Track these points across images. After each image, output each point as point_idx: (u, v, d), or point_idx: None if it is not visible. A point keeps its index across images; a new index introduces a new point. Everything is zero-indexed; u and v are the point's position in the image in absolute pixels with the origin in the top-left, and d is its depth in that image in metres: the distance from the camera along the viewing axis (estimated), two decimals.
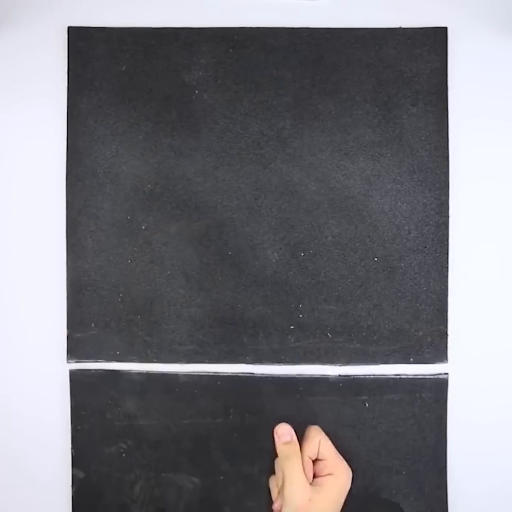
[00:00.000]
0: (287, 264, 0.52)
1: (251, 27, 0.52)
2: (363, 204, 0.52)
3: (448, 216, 0.52)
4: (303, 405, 0.52)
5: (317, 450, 0.46)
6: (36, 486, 0.52)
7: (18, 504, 0.52)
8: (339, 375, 0.51)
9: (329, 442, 0.47)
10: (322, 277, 0.52)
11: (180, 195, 0.52)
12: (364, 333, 0.52)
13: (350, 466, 0.46)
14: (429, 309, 0.52)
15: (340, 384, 0.51)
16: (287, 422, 0.47)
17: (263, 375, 0.52)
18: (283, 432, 0.47)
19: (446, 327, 0.52)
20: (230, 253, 0.52)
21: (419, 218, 0.52)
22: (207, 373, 0.52)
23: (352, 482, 0.46)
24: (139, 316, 0.52)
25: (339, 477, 0.45)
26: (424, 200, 0.52)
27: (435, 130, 0.52)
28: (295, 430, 0.47)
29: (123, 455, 0.52)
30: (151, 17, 0.52)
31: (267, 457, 0.49)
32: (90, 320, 0.52)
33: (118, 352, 0.52)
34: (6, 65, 0.52)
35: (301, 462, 0.45)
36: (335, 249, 0.52)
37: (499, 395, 0.52)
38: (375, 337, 0.52)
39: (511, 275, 0.52)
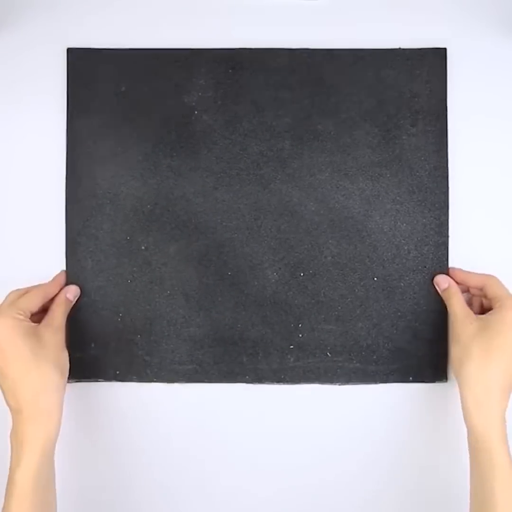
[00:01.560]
0: (286, 284, 0.52)
1: (250, 48, 0.52)
2: (363, 224, 0.52)
3: (447, 236, 0.52)
4: None
5: (480, 281, 0.49)
6: None
7: None
8: None
9: (502, 284, 0.49)
10: (321, 297, 0.52)
11: (180, 216, 0.52)
12: (363, 353, 0.52)
13: None
14: (428, 328, 0.52)
15: None
16: None
17: None
18: (439, 280, 0.51)
19: (446, 346, 0.52)
20: (229, 273, 0.52)
21: (418, 238, 0.52)
22: None
23: None
24: (139, 336, 0.52)
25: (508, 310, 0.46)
26: (424, 220, 0.52)
27: (434, 150, 0.52)
28: None
29: None
30: (150, 38, 0.52)
31: None
32: (90, 340, 0.52)
33: (118, 372, 0.52)
34: (6, 85, 0.52)
35: (460, 297, 0.49)
36: (334, 269, 0.52)
37: None
38: (374, 357, 0.52)
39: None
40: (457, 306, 0.49)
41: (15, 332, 0.45)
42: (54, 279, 0.51)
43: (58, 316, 0.49)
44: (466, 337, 0.47)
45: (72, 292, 0.51)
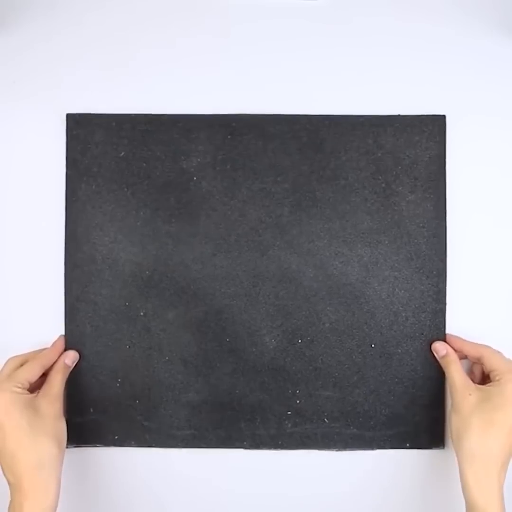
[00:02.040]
0: (284, 351, 0.52)
1: (249, 114, 0.52)
2: (361, 291, 0.52)
3: (445, 303, 0.52)
4: None
5: (477, 352, 0.49)
6: None
7: None
8: None
9: (500, 355, 0.49)
10: (319, 363, 0.52)
11: (178, 282, 0.52)
12: (361, 419, 0.52)
13: None
14: (425, 395, 0.52)
15: None
16: None
17: None
18: (437, 347, 0.51)
19: (443, 412, 0.52)
20: (228, 339, 0.52)
21: (416, 305, 0.52)
22: None
23: None
24: (137, 401, 0.52)
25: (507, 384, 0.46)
26: (422, 287, 0.52)
27: (433, 217, 0.52)
28: None
29: None
30: (149, 103, 0.52)
31: None
32: (88, 405, 0.52)
33: (116, 437, 0.52)
34: (6, 150, 0.52)
35: (458, 365, 0.49)
36: (332, 336, 0.52)
37: None
38: (372, 423, 0.52)
39: None
40: (455, 374, 0.49)
41: (13, 407, 0.45)
42: (53, 345, 0.51)
43: (56, 384, 0.49)
44: (465, 409, 0.47)
45: (71, 358, 0.51)
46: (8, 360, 0.49)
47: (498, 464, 0.45)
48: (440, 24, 0.52)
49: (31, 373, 0.48)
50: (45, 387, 0.49)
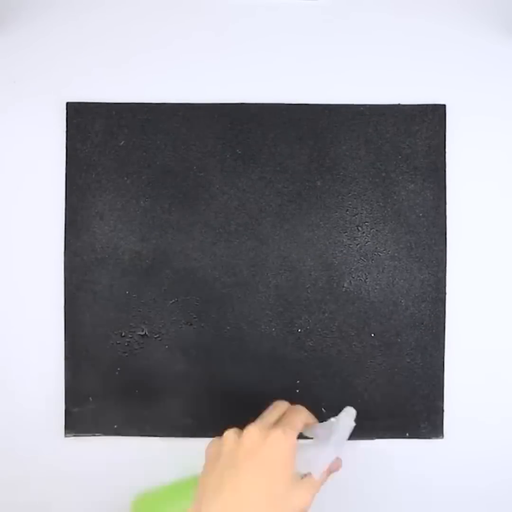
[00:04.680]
0: (284, 340, 0.52)
1: (249, 103, 0.52)
2: (360, 280, 0.52)
3: (445, 293, 0.52)
4: None
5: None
6: None
7: None
8: None
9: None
10: (319, 353, 0.52)
11: (178, 271, 0.52)
12: (360, 408, 0.52)
13: None
14: (425, 384, 0.52)
15: None
16: None
17: None
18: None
19: (442, 402, 0.52)
20: (228, 328, 0.52)
21: (416, 295, 0.52)
22: None
23: None
24: (137, 391, 0.52)
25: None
26: (421, 276, 0.52)
27: (433, 207, 0.52)
28: None
29: None
30: (149, 92, 0.52)
31: None
32: (88, 394, 0.52)
33: (116, 426, 0.52)
34: (6, 140, 0.52)
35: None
36: (332, 325, 0.52)
37: (496, 471, 0.52)
38: (371, 412, 0.52)
39: (507, 350, 0.52)
40: None
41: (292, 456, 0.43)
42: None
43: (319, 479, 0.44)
44: None
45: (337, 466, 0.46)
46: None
47: None
48: (439, 16, 0.52)
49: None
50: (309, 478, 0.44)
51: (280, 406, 0.47)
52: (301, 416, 0.46)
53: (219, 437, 0.45)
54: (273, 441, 0.42)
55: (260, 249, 0.52)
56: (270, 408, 0.47)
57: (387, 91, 0.52)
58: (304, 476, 0.43)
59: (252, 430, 0.43)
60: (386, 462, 0.52)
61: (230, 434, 0.44)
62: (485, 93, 0.52)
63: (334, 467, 0.45)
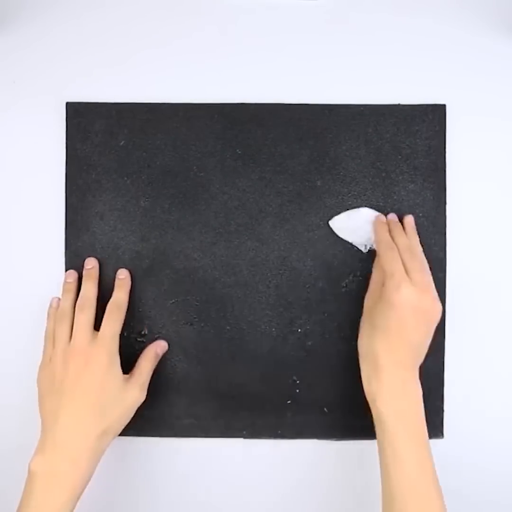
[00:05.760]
0: (284, 340, 0.52)
1: (249, 103, 0.52)
2: (360, 280, 0.52)
3: (445, 294, 0.52)
4: None
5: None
6: None
7: None
8: None
9: (392, 253, 0.48)
10: (319, 353, 0.52)
11: (178, 271, 0.52)
12: (360, 408, 0.52)
13: None
14: (425, 385, 0.52)
15: None
16: None
17: None
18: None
19: (443, 402, 0.52)
20: (228, 328, 0.52)
21: None
22: None
23: None
24: None
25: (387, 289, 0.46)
26: None
27: (433, 207, 0.52)
28: None
29: None
30: (149, 92, 0.52)
31: None
32: None
33: None
34: (7, 140, 0.52)
35: (378, 273, 0.50)
36: (332, 325, 0.52)
37: (495, 471, 0.52)
38: (370, 412, 0.52)
39: (507, 350, 0.52)
40: (371, 279, 0.50)
41: (113, 371, 0.48)
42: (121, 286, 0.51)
43: (146, 372, 0.50)
44: (364, 312, 0.50)
45: (161, 348, 0.51)
46: (83, 307, 0.49)
47: (385, 364, 0.46)
48: (439, 16, 0.52)
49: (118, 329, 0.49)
50: (136, 374, 0.49)
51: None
52: (117, 319, 0.49)
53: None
54: (93, 360, 0.46)
55: (260, 249, 0.52)
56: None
57: (387, 91, 0.52)
58: (131, 374, 0.49)
59: (72, 350, 0.47)
60: None
61: (55, 360, 0.47)
62: (485, 93, 0.52)
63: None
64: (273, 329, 0.52)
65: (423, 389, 0.52)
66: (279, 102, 0.52)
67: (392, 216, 0.51)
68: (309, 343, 0.52)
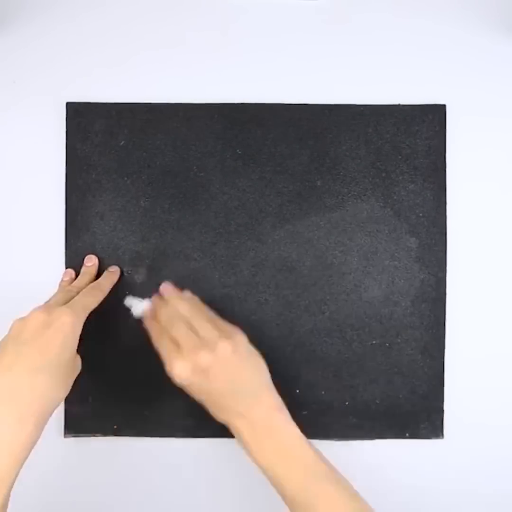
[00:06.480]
0: (284, 340, 0.52)
1: (249, 103, 0.52)
2: (360, 280, 0.52)
3: (445, 293, 0.52)
4: None
5: None
6: None
7: None
8: None
9: None
10: (319, 353, 0.52)
11: (178, 271, 0.52)
12: (360, 408, 0.52)
13: None
14: (425, 385, 0.52)
15: None
16: None
17: None
18: None
19: (442, 402, 0.52)
20: None
21: (416, 295, 0.52)
22: None
23: None
24: (137, 391, 0.52)
25: None
26: (421, 276, 0.52)
27: (433, 207, 0.52)
28: None
29: None
30: (149, 92, 0.52)
31: None
32: (87, 394, 0.52)
33: (115, 426, 0.52)
34: (7, 139, 0.52)
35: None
36: (332, 325, 0.52)
37: (495, 471, 0.52)
38: (371, 412, 0.52)
39: (508, 351, 0.52)
40: None
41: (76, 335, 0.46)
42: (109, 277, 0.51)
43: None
44: None
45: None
46: (70, 289, 0.48)
47: (228, 421, 0.45)
48: (439, 16, 0.52)
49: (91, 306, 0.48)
50: None
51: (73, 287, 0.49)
52: (95, 295, 0.48)
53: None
54: (57, 319, 0.44)
55: (260, 249, 0.52)
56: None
57: (387, 91, 0.52)
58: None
59: (37, 310, 0.45)
60: (386, 462, 0.52)
61: (16, 320, 0.45)
62: (485, 93, 0.52)
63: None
64: (273, 329, 0.52)
65: (423, 389, 0.52)
66: (279, 102, 0.52)
67: (162, 287, 0.50)
68: (309, 343, 0.52)
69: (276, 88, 0.52)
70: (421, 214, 0.52)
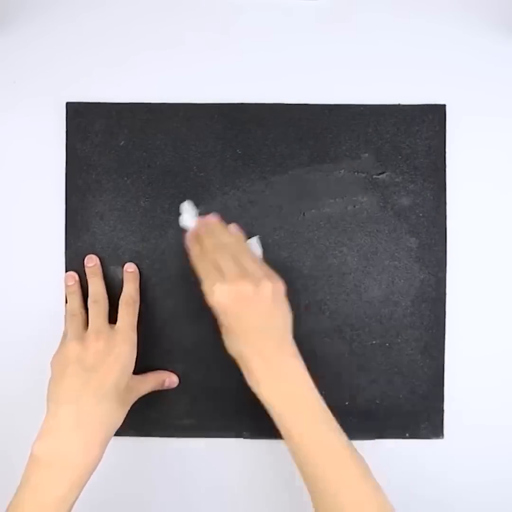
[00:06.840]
0: None
1: (249, 103, 0.52)
2: (360, 280, 0.52)
3: (445, 293, 0.52)
4: None
5: None
6: None
7: None
8: None
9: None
10: (319, 353, 0.52)
11: (178, 271, 0.52)
12: (360, 408, 0.52)
13: None
14: (425, 384, 0.52)
15: None
16: None
17: None
18: None
19: (442, 402, 0.52)
20: None
21: (416, 295, 0.52)
22: None
23: None
24: None
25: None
26: (421, 276, 0.52)
27: (433, 207, 0.52)
28: None
29: None
30: (149, 92, 0.52)
31: None
32: None
33: None
34: (7, 139, 0.52)
35: None
36: (332, 325, 0.52)
37: (495, 471, 0.52)
38: (371, 412, 0.52)
39: (508, 350, 0.52)
40: None
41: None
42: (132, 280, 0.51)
43: (149, 387, 0.51)
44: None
45: (171, 382, 0.52)
46: (97, 299, 0.50)
47: (252, 359, 0.45)
48: (439, 16, 0.52)
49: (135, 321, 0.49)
50: (143, 382, 0.50)
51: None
52: (133, 311, 0.49)
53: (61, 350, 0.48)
54: (115, 346, 0.46)
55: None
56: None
57: (387, 91, 0.52)
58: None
59: (92, 334, 0.47)
60: (386, 462, 0.52)
61: (72, 343, 0.47)
62: (485, 93, 0.52)
63: None
64: None
65: (423, 389, 0.52)
66: (279, 102, 0.52)
67: (209, 217, 0.50)
68: (309, 343, 0.52)
69: (276, 88, 0.52)
70: (421, 214, 0.52)
